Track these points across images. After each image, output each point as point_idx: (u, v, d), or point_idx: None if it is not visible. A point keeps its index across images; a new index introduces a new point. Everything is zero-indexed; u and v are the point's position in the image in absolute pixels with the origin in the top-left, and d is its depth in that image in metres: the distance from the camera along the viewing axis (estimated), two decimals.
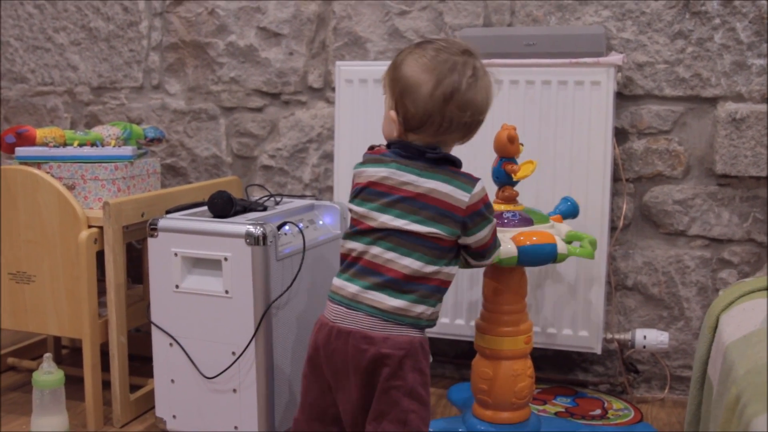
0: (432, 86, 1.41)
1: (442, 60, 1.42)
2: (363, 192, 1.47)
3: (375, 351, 1.42)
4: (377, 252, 1.44)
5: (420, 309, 1.44)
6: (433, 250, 1.43)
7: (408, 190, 1.43)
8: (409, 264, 1.42)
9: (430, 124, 1.43)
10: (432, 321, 1.47)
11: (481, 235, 1.48)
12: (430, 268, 1.43)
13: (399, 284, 1.42)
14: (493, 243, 1.54)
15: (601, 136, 1.99)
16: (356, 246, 1.46)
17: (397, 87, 1.44)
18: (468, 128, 1.47)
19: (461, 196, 1.43)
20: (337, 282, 1.49)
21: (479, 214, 1.45)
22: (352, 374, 1.45)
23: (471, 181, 1.45)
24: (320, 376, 1.50)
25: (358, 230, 1.47)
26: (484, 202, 1.46)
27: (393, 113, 1.45)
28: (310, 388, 1.53)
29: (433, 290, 1.45)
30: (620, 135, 2.12)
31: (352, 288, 1.45)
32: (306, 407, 1.54)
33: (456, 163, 1.47)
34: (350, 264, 1.48)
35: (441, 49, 1.44)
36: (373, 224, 1.44)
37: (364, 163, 1.50)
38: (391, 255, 1.43)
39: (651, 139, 2.11)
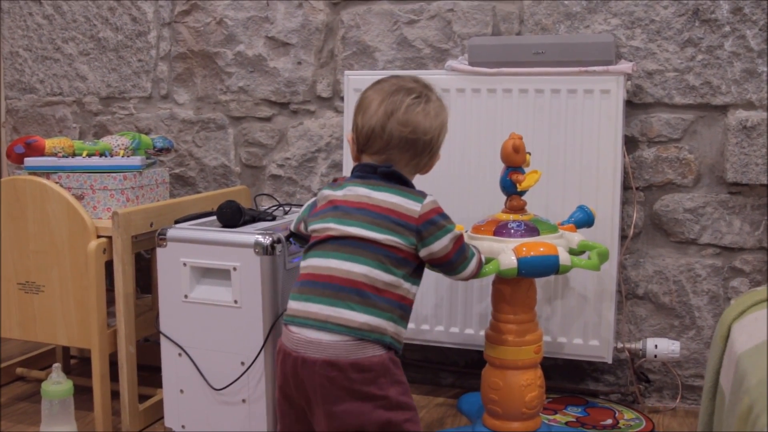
0: (378, 103, 1.53)
1: (394, 83, 1.56)
2: (322, 211, 1.54)
3: (344, 378, 1.42)
4: (335, 264, 1.46)
5: (384, 324, 1.44)
6: (390, 258, 1.46)
7: (364, 202, 1.50)
8: (367, 272, 1.44)
9: (375, 139, 1.52)
10: (396, 342, 1.48)
11: (440, 245, 1.50)
12: (388, 278, 1.45)
13: (362, 295, 1.43)
14: (458, 255, 1.55)
15: (611, 144, 1.98)
16: (314, 262, 1.50)
17: (355, 109, 1.57)
18: (412, 146, 1.53)
19: (413, 206, 1.49)
20: (296, 304, 1.49)
21: (433, 222, 1.49)
22: (321, 405, 1.44)
23: (422, 194, 1.52)
24: (294, 405, 1.51)
25: (316, 242, 1.51)
26: (437, 212, 1.51)
27: (349, 134, 1.59)
28: (287, 414, 1.54)
29: (395, 305, 1.46)
30: (630, 143, 2.11)
31: (314, 307, 1.45)
32: None
33: (407, 183, 1.54)
34: (308, 282, 1.49)
35: (399, 78, 1.59)
36: (332, 233, 1.49)
37: (324, 189, 1.59)
38: (348, 265, 1.45)
39: (661, 148, 2.10)
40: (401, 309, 1.48)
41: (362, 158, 1.57)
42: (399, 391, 1.45)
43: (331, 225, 1.50)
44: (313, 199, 1.63)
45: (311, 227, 1.55)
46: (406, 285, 1.49)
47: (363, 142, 1.54)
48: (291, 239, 1.76)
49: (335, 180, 1.60)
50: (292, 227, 1.71)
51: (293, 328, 1.47)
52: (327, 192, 1.56)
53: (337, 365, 1.42)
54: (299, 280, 1.52)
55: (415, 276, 1.52)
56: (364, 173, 1.54)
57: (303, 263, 1.53)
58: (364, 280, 1.44)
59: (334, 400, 1.43)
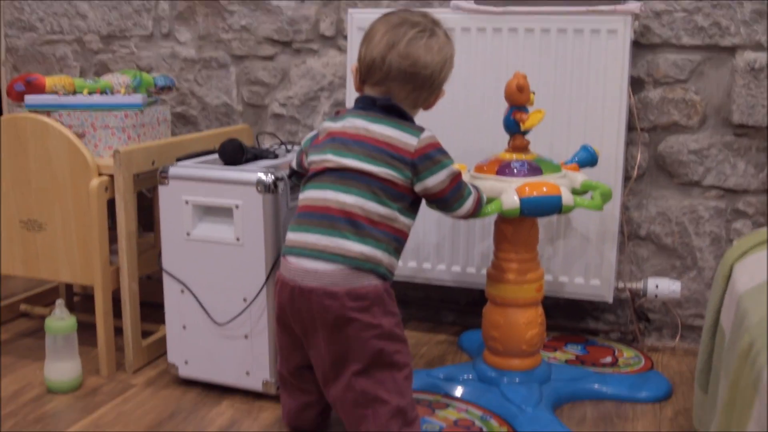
0: (381, 34, 1.53)
1: (401, 16, 1.56)
2: (321, 143, 1.55)
3: (339, 305, 1.44)
4: (331, 195, 1.48)
5: (378, 255, 1.47)
6: (386, 191, 1.48)
7: (362, 134, 1.51)
8: (362, 204, 1.46)
9: (375, 70, 1.53)
10: (390, 273, 1.51)
11: (436, 180, 1.51)
12: (384, 210, 1.47)
13: (357, 226, 1.46)
14: (453, 192, 1.55)
15: (617, 85, 1.96)
16: (311, 194, 1.52)
17: (362, 39, 1.57)
18: (411, 79, 1.53)
19: (409, 140, 1.49)
20: (293, 235, 1.52)
21: (429, 157, 1.50)
22: (320, 330, 1.47)
23: (419, 128, 1.53)
24: (292, 334, 1.55)
25: (313, 174, 1.53)
26: (434, 147, 1.52)
27: (354, 65, 1.59)
28: (284, 345, 1.59)
29: (390, 237, 1.49)
30: (636, 84, 2.09)
31: (311, 238, 1.48)
32: (284, 362, 1.61)
33: (405, 116, 1.54)
34: (305, 214, 1.52)
35: (408, 12, 1.59)
36: (329, 165, 1.50)
37: (325, 121, 1.60)
38: (343, 196, 1.47)
39: (667, 89, 2.08)
40: (396, 242, 1.51)
41: (364, 89, 1.57)
42: (392, 322, 1.49)
43: (329, 157, 1.51)
44: (315, 131, 1.64)
45: (309, 159, 1.57)
46: (402, 218, 1.51)
47: (365, 72, 1.55)
48: (292, 178, 1.76)
49: (337, 112, 1.60)
50: (293, 164, 1.71)
51: (291, 259, 1.50)
52: (327, 124, 1.58)
53: (333, 294, 1.44)
54: (297, 212, 1.54)
55: (411, 210, 1.54)
56: (364, 105, 1.55)
57: (301, 196, 1.55)
58: (358, 212, 1.46)
59: (330, 328, 1.46)
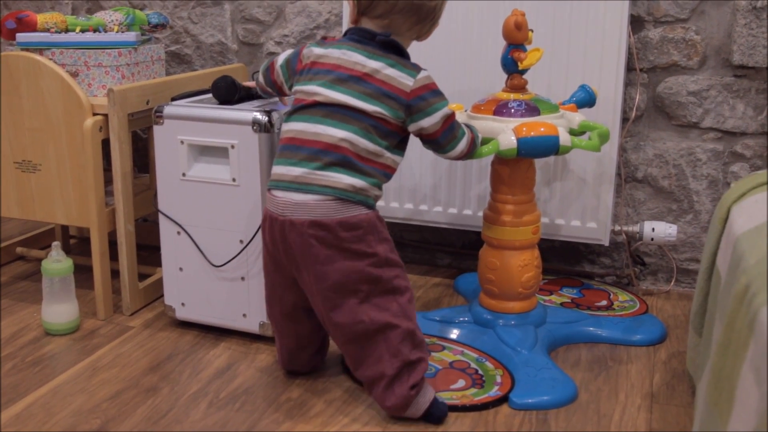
0: None
1: None
2: (310, 72, 1.52)
3: (332, 237, 1.44)
4: (321, 129, 1.46)
5: (367, 187, 1.47)
6: (377, 129, 1.47)
7: (357, 69, 1.48)
8: (353, 140, 1.45)
9: (380, 2, 1.49)
10: (375, 203, 1.52)
11: (430, 122, 1.50)
12: (373, 147, 1.46)
13: (346, 160, 1.45)
14: (446, 134, 1.54)
15: (616, 23, 1.93)
16: (299, 126, 1.49)
17: None
18: (416, 12, 1.51)
19: (405, 80, 1.47)
20: (280, 168, 1.50)
21: (423, 98, 1.49)
22: (313, 264, 1.47)
23: (416, 67, 1.50)
24: (284, 271, 1.54)
25: (302, 106, 1.50)
26: (430, 88, 1.50)
27: None
28: (277, 284, 1.58)
29: (379, 173, 1.49)
30: (636, 23, 2.06)
31: (298, 171, 1.46)
32: (277, 303, 1.60)
33: (403, 53, 1.51)
34: (292, 147, 1.49)
35: None
36: (319, 99, 1.47)
37: (312, 45, 1.55)
38: (333, 131, 1.45)
39: (667, 28, 2.05)
40: (385, 176, 1.51)
41: (361, 21, 1.53)
42: (387, 248, 1.50)
43: (320, 90, 1.49)
44: (292, 50, 1.61)
45: (297, 88, 1.54)
46: (390, 155, 1.50)
47: (366, 3, 1.51)
48: (254, 76, 1.75)
49: (324, 38, 1.57)
50: (260, 79, 1.71)
51: (278, 193, 1.49)
52: (317, 51, 1.54)
53: (325, 225, 1.44)
54: (282, 144, 1.52)
55: (399, 148, 1.53)
56: (360, 38, 1.51)
57: (286, 127, 1.53)
58: (349, 147, 1.45)
59: (324, 260, 1.46)
